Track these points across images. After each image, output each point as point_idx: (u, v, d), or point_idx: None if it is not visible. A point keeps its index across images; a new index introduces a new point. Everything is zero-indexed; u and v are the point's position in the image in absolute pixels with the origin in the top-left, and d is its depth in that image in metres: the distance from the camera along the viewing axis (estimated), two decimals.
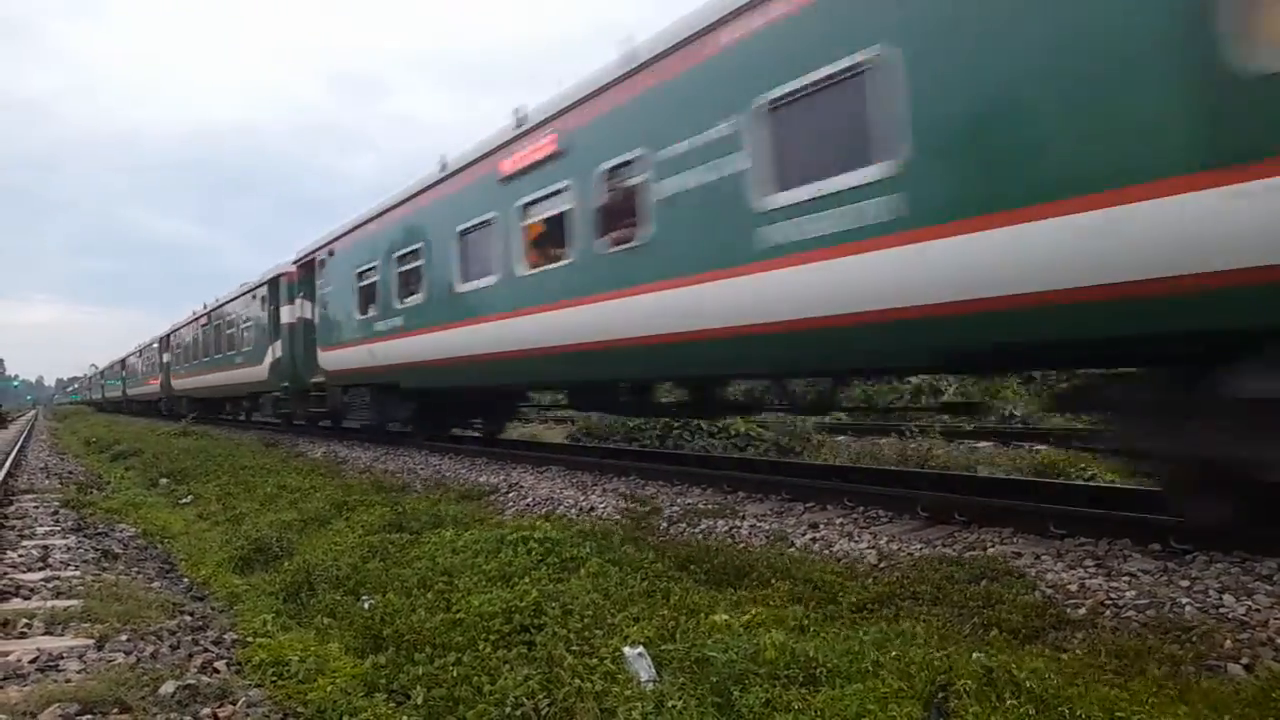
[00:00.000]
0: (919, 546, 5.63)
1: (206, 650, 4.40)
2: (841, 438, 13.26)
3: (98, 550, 7.18)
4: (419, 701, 3.42)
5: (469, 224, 11.06)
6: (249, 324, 21.97)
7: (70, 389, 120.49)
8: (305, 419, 19.14)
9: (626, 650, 3.59)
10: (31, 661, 4.15)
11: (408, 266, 13.02)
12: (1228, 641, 3.72)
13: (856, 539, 5.98)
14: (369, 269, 14.52)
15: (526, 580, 4.73)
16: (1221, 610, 4.09)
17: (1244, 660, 3.54)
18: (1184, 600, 4.21)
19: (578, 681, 3.33)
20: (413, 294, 12.86)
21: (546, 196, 9.41)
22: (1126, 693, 3.07)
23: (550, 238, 9.51)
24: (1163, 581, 4.50)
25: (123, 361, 52.68)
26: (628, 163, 8.11)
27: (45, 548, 7.23)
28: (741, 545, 6.16)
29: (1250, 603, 4.11)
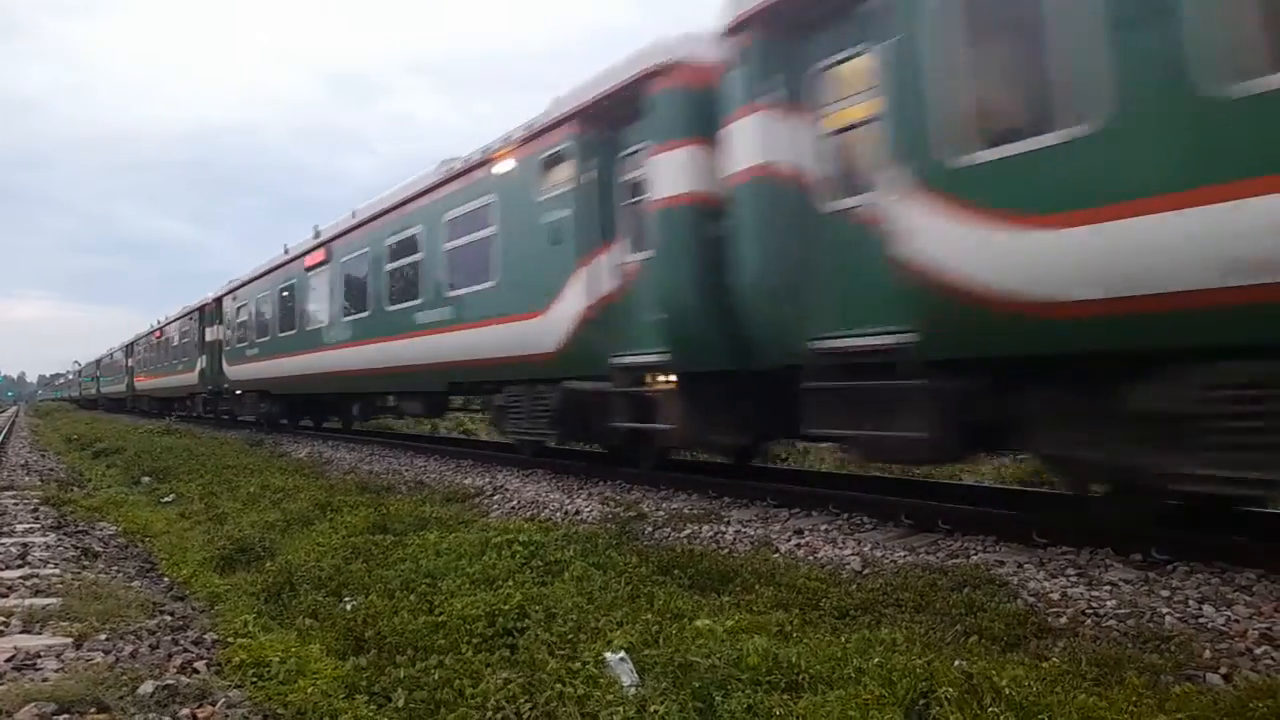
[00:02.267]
0: (903, 554, 5.65)
1: (186, 650, 4.36)
2: (827, 444, 13.28)
3: (77, 548, 7.11)
4: (400, 704, 3.40)
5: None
6: (186, 340, 28.25)
7: (60, 383, 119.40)
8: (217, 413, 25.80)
9: (608, 655, 3.59)
10: (8, 660, 4.10)
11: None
12: (1207, 651, 3.75)
13: (841, 546, 6.00)
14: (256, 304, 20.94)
15: (510, 583, 4.73)
16: (1201, 620, 4.12)
17: (1223, 670, 3.57)
18: (1164, 610, 4.25)
19: (560, 686, 3.32)
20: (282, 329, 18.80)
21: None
22: (1106, 701, 3.09)
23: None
24: (1143, 591, 4.54)
25: (97, 363, 57.05)
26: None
27: (24, 545, 7.15)
28: (726, 551, 6.16)
29: (1229, 613, 4.15)
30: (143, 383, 37.69)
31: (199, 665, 4.12)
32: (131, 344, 41.40)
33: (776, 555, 5.91)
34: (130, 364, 41.52)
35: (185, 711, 3.47)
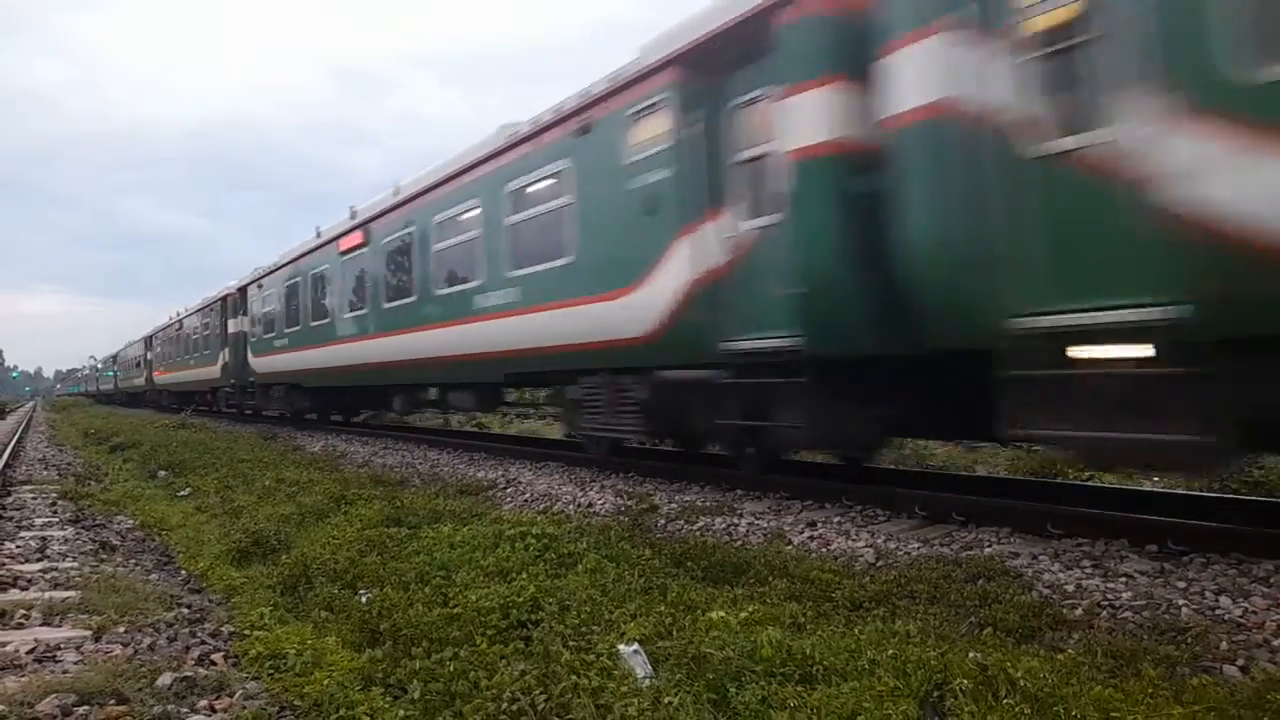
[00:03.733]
0: (916, 546, 5.63)
1: (204, 642, 4.40)
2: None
3: (96, 542, 7.19)
4: (415, 695, 3.42)
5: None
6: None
7: (82, 377, 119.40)
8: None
9: (621, 647, 3.59)
10: (29, 652, 4.15)
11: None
12: (1223, 643, 3.73)
13: (854, 537, 5.99)
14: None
15: (524, 576, 4.74)
16: (1218, 612, 4.10)
17: (1239, 662, 3.55)
18: (1180, 601, 4.22)
19: (574, 677, 3.33)
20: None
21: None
22: (1121, 693, 3.07)
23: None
24: (1159, 583, 4.51)
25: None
26: None
27: (43, 539, 7.23)
28: (739, 543, 6.16)
29: (1246, 605, 4.12)
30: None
31: (216, 657, 4.16)
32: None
33: (789, 547, 5.91)
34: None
35: (203, 703, 3.51)
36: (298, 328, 18.46)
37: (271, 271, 20.73)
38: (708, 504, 7.41)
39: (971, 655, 3.37)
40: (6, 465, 13.51)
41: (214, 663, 4.08)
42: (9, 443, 18.44)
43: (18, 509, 8.95)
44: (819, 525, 6.41)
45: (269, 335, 20.47)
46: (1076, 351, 4.89)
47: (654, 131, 7.87)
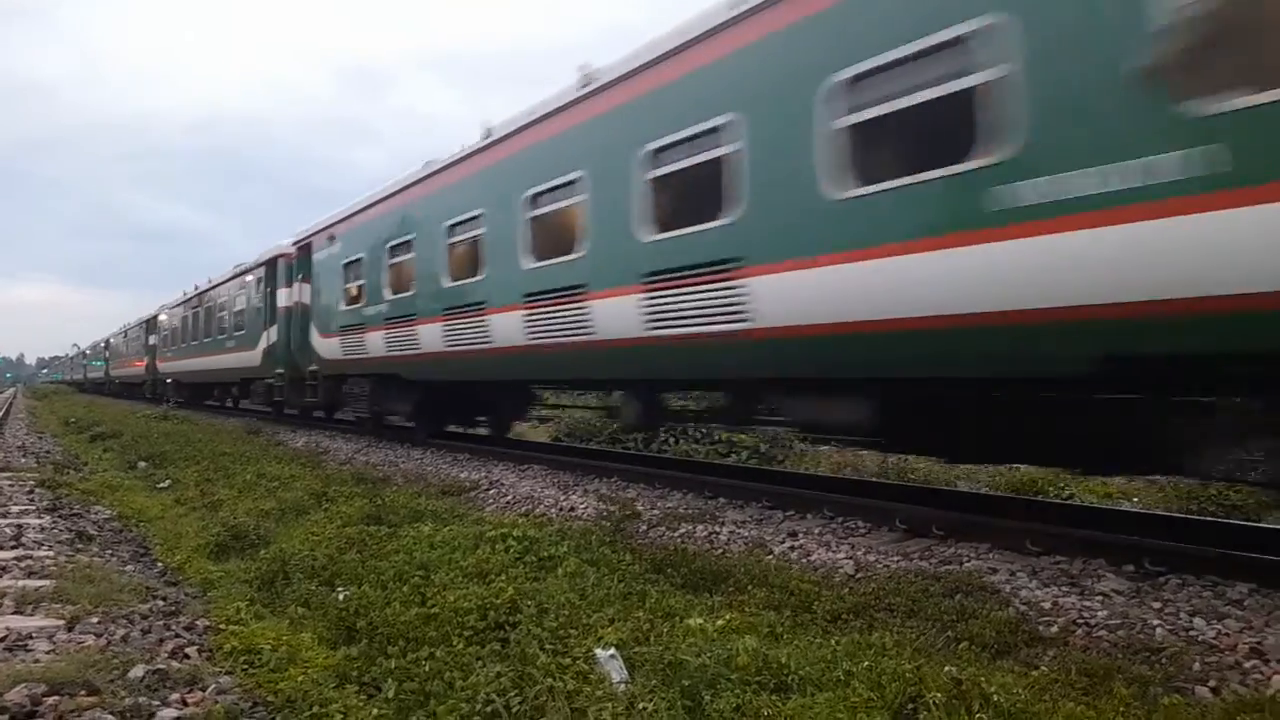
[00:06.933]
0: (896, 559, 5.65)
1: (178, 635, 4.36)
2: (824, 447, 13.28)
3: (72, 531, 7.11)
4: (390, 695, 3.41)
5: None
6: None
7: (63, 364, 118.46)
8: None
9: (598, 652, 3.59)
10: (0, 640, 4.11)
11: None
12: (1196, 664, 3.76)
13: (834, 549, 6.01)
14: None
15: (503, 578, 4.73)
16: (1191, 633, 4.13)
17: (1211, 683, 3.58)
18: (1155, 621, 4.25)
19: (550, 680, 3.33)
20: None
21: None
22: (1094, 710, 3.10)
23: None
24: (1135, 602, 4.55)
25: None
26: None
27: (19, 526, 7.15)
28: (720, 551, 6.17)
29: (1220, 626, 4.16)
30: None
31: (190, 651, 4.12)
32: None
33: (770, 557, 5.92)
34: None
35: (175, 696, 3.47)
36: (173, 346, 31.11)
37: (172, 308, 32.02)
38: (690, 511, 7.42)
39: (946, 669, 3.38)
40: None
41: (188, 656, 4.05)
42: None
43: None
44: (800, 536, 6.42)
45: (163, 348, 33.14)
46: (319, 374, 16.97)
47: (258, 287, 20.07)
